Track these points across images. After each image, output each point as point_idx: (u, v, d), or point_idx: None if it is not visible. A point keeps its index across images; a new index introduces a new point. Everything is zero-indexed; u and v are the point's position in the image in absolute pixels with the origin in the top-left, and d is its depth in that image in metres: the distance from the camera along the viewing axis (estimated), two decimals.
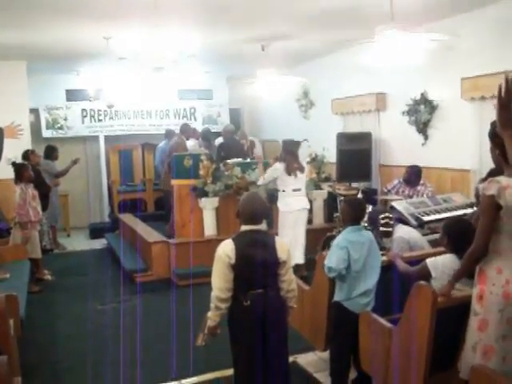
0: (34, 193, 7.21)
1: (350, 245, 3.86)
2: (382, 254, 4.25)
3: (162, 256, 7.57)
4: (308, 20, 7.02)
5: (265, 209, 3.58)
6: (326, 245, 6.90)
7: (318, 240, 7.20)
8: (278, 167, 6.96)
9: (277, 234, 6.52)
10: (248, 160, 8.46)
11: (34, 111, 10.82)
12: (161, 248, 7.62)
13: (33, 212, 7.11)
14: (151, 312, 6.13)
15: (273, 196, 7.16)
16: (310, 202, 7.67)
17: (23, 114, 9.67)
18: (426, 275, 3.64)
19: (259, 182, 7.26)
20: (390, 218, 5.58)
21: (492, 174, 4.62)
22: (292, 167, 6.92)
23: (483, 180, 5.27)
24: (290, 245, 6.74)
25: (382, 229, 6.17)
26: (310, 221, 7.65)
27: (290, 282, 3.52)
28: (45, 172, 9.06)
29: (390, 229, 5.85)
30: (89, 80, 10.64)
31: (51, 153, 9.66)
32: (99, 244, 10.10)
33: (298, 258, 6.89)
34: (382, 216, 6.08)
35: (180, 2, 5.81)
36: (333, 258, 3.88)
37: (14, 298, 4.62)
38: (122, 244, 9.10)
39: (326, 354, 4.49)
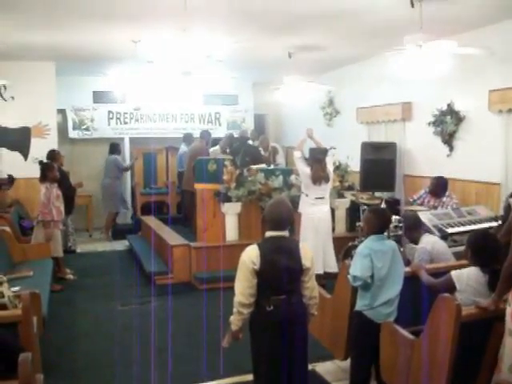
0: (58, 193, 7.29)
1: (372, 253, 3.85)
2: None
3: (183, 259, 7.59)
4: (336, 29, 7.02)
5: (291, 215, 3.56)
6: (348, 254, 6.88)
7: (339, 249, 7.16)
8: (306, 172, 6.94)
9: (298, 238, 6.57)
10: (271, 166, 8.48)
11: (62, 112, 10.95)
12: (182, 251, 7.64)
13: (56, 211, 7.19)
14: (171, 315, 6.14)
15: (295, 203, 7.14)
16: (333, 210, 7.64)
17: (51, 114, 9.80)
18: (450, 288, 3.61)
19: (296, 155, 7.14)
20: (400, 222, 5.84)
21: None
22: (317, 176, 6.88)
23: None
24: (315, 253, 6.75)
25: (391, 233, 6.24)
26: (332, 229, 7.59)
27: (312, 289, 3.51)
28: (113, 166, 10.60)
29: (399, 232, 6.16)
30: (116, 82, 10.75)
31: (116, 148, 10.76)
32: (121, 245, 10.16)
33: (330, 266, 6.94)
34: (393, 219, 6.17)
35: (209, 7, 5.85)
36: (357, 267, 3.86)
37: (38, 296, 4.67)
38: (143, 246, 9.16)
39: (345, 364, 4.47)
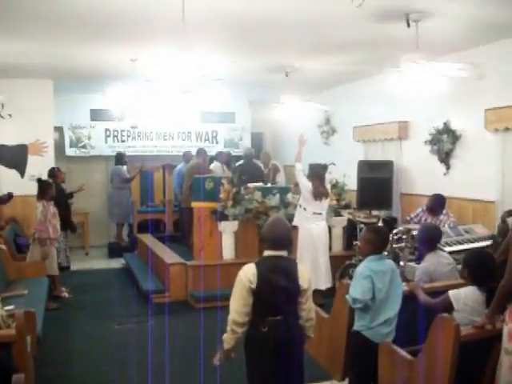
0: (54, 210, 7.27)
1: (373, 274, 3.80)
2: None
3: (180, 278, 7.55)
4: (333, 48, 7.07)
5: (289, 235, 3.53)
6: (345, 273, 6.85)
7: (336, 268, 7.13)
8: (308, 186, 6.91)
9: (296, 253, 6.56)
10: (268, 184, 8.48)
11: (59, 129, 10.96)
12: (178, 270, 7.60)
13: (52, 229, 7.16)
14: (167, 334, 6.08)
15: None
16: (329, 228, 7.62)
17: (48, 132, 9.82)
18: (447, 307, 3.59)
19: (298, 167, 7.07)
20: (403, 233, 5.77)
21: None
22: (318, 191, 6.88)
23: (508, 212, 5.20)
24: (313, 268, 6.70)
25: (394, 245, 6.16)
26: (329, 248, 7.56)
27: (309, 311, 3.47)
28: (116, 176, 10.69)
29: (401, 244, 6.08)
30: (114, 100, 10.79)
31: (121, 159, 10.82)
32: (117, 263, 10.11)
33: (326, 281, 6.89)
34: (395, 231, 6.06)
35: (207, 26, 5.90)
36: (358, 289, 3.80)
37: (32, 315, 4.63)
38: (139, 264, 9.12)
39: None
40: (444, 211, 7.00)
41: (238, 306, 3.32)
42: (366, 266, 3.90)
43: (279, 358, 3.34)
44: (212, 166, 9.90)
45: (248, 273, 3.34)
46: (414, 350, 3.60)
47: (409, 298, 4.05)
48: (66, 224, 7.97)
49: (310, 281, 3.49)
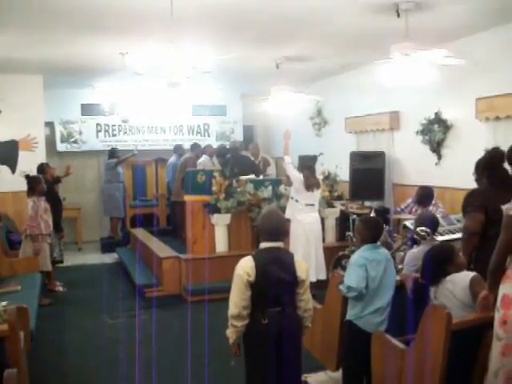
0: (45, 206, 7.24)
1: (367, 263, 3.82)
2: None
3: (173, 271, 7.55)
4: (323, 39, 7.05)
5: (284, 225, 3.55)
6: (338, 264, 6.86)
7: (329, 259, 7.14)
8: (299, 177, 6.93)
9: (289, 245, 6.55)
10: (260, 177, 8.47)
11: (49, 124, 10.91)
12: (172, 263, 7.61)
13: (44, 225, 7.13)
14: (161, 328, 6.08)
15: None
16: (322, 219, 7.63)
17: (39, 127, 9.77)
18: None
19: (287, 160, 7.07)
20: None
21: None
22: (310, 182, 6.91)
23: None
24: (306, 260, 6.69)
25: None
26: (322, 237, 7.57)
27: (307, 302, 3.49)
28: (107, 169, 10.89)
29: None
30: (104, 95, 10.74)
31: (114, 153, 10.93)
32: (110, 258, 10.10)
33: (318, 273, 6.88)
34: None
35: (196, 18, 5.87)
36: (352, 277, 3.82)
37: (25, 311, 4.61)
38: (133, 258, 9.11)
39: (337, 374, 4.44)
40: (433, 202, 6.98)
41: (237, 299, 3.33)
42: (360, 255, 3.92)
43: (279, 348, 3.36)
44: (201, 160, 9.84)
45: (245, 266, 3.34)
46: (407, 340, 3.61)
47: (397, 288, 4.05)
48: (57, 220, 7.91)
49: (308, 272, 3.51)
